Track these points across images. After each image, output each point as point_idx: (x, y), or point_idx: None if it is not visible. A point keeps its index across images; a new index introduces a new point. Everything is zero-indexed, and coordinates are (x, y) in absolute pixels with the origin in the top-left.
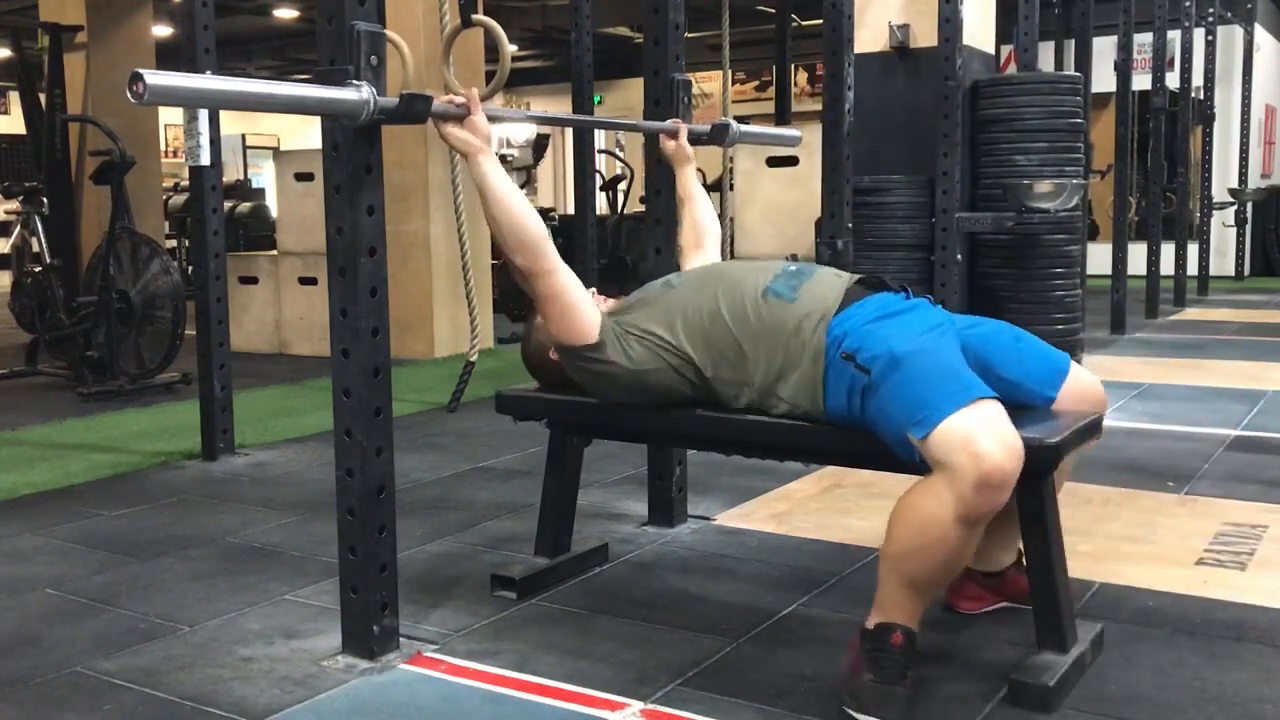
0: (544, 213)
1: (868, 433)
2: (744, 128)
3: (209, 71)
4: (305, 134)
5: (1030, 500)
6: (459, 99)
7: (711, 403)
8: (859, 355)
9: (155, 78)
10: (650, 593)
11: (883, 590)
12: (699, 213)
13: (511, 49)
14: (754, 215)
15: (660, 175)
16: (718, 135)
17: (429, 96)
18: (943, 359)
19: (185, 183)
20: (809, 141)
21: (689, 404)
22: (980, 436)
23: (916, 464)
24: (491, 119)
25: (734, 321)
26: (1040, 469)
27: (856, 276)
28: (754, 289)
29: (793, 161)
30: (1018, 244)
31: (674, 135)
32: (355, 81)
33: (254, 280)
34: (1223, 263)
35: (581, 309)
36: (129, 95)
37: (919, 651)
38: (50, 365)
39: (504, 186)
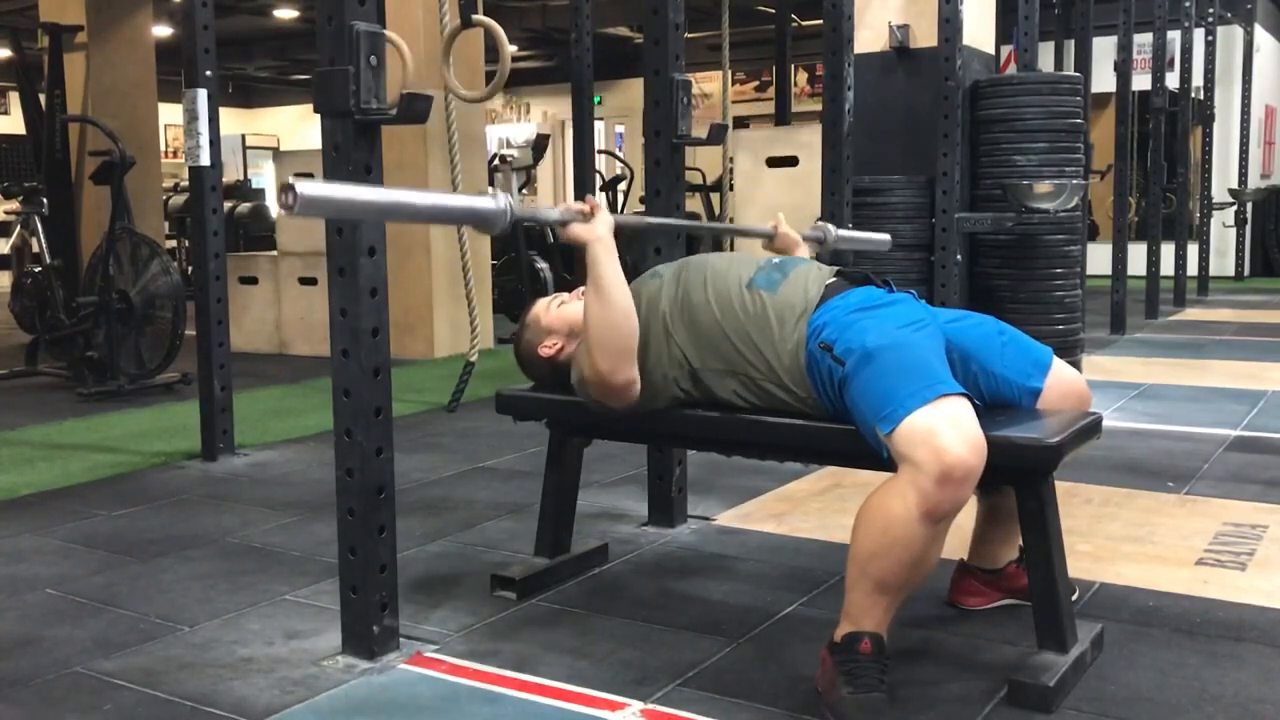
0: None
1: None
2: (840, 232)
3: (208, 71)
4: (305, 134)
5: (1030, 500)
6: (583, 206)
7: (707, 401)
8: (836, 346)
9: (307, 188)
10: (650, 593)
11: (850, 597)
12: None
13: (511, 49)
14: (754, 215)
15: (660, 175)
16: (815, 237)
17: (429, 96)
18: (914, 354)
19: (185, 183)
20: (809, 141)
21: (686, 404)
22: (942, 431)
23: (885, 460)
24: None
25: (721, 313)
26: (1041, 469)
27: (837, 268)
28: (738, 281)
29: (793, 161)
30: (1018, 244)
31: (774, 235)
32: (491, 189)
33: (254, 280)
34: (1223, 263)
35: (632, 400)
36: (279, 206)
37: (890, 656)
38: (50, 365)
39: (618, 283)
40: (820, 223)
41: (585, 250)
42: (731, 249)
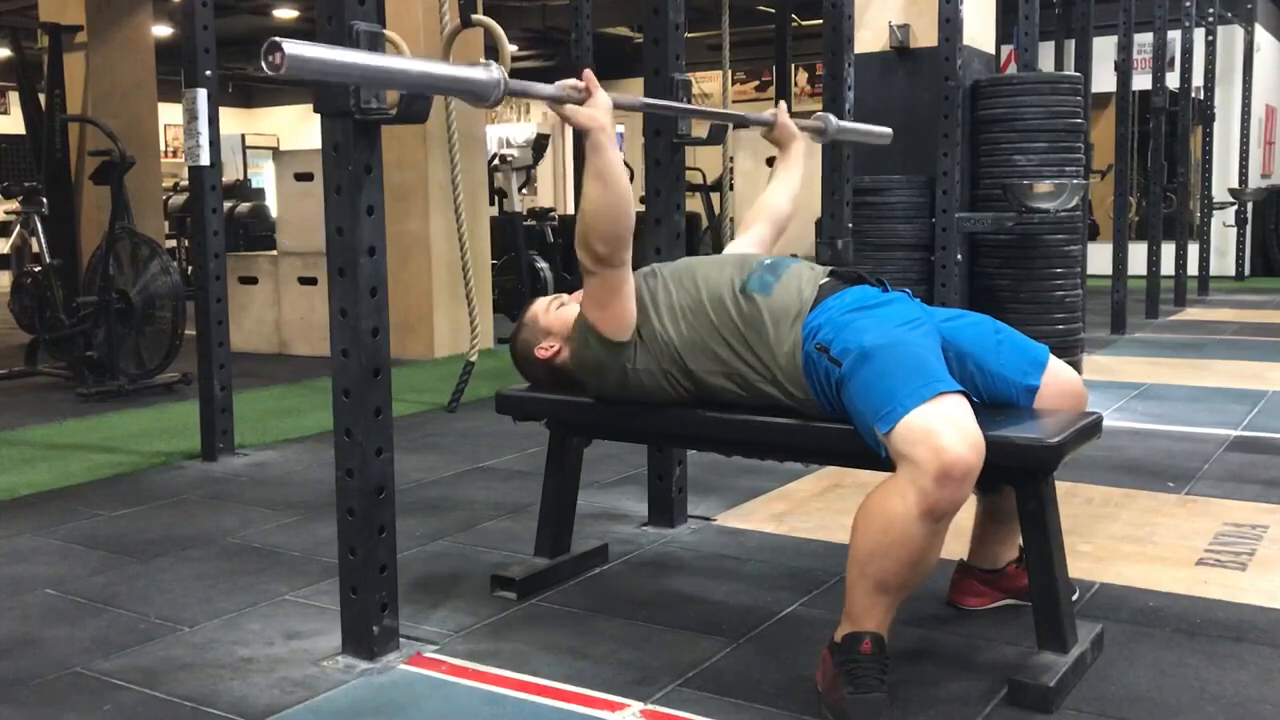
0: (544, 212)
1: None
2: (841, 123)
3: (208, 71)
4: (305, 134)
5: (1030, 500)
6: (579, 83)
7: (706, 401)
8: (832, 347)
9: (293, 47)
10: (650, 593)
11: (851, 597)
12: (773, 194)
13: (511, 49)
14: None
15: (660, 175)
16: (815, 127)
17: (428, 96)
18: (911, 353)
19: (185, 183)
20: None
21: (683, 403)
22: (941, 430)
23: (884, 459)
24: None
25: (715, 316)
26: (1041, 469)
27: (830, 269)
28: (731, 283)
29: None
30: (1018, 244)
31: (774, 124)
32: (484, 61)
33: (254, 280)
34: (1223, 263)
35: (629, 308)
36: (265, 67)
37: (890, 657)
38: (50, 365)
39: (619, 170)
40: (821, 113)
41: (585, 136)
42: (732, 237)
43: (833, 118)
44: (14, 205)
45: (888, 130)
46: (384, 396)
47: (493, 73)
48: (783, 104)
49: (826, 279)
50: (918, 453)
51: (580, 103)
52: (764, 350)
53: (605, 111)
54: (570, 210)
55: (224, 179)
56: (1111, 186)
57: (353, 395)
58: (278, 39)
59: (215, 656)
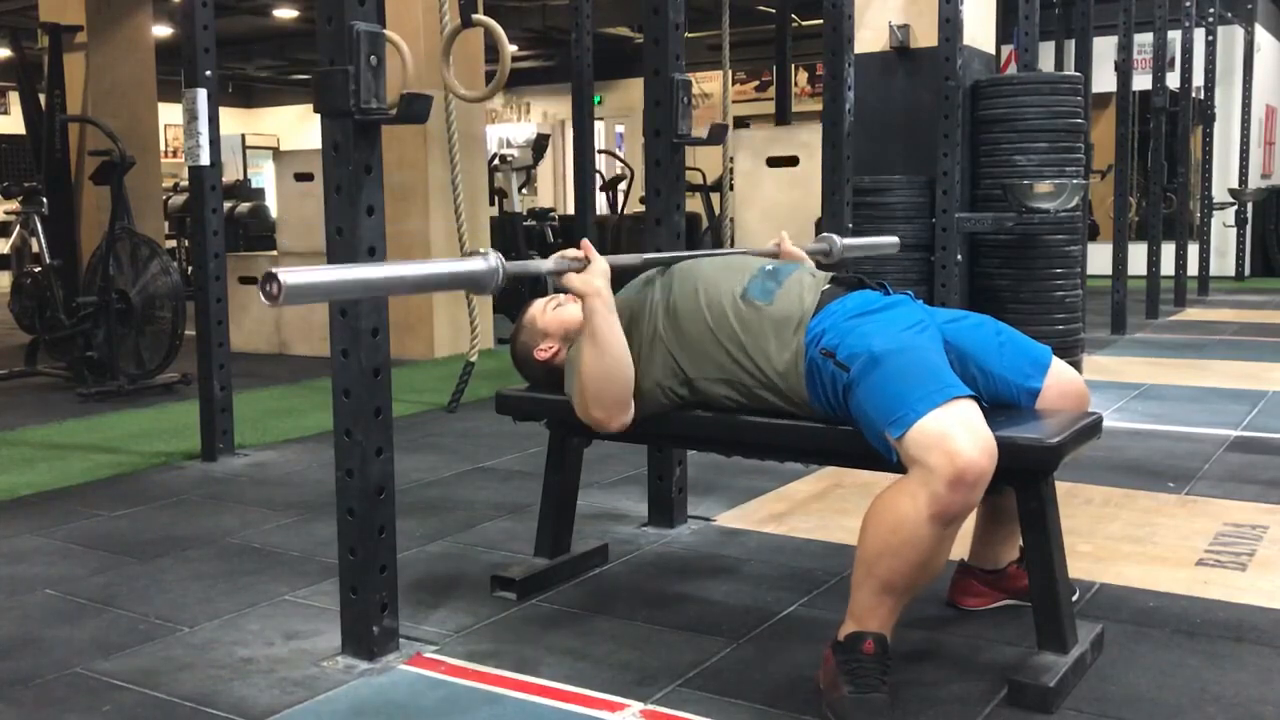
0: (544, 213)
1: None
2: (846, 241)
3: (208, 71)
4: (305, 134)
5: (1031, 500)
6: (577, 254)
7: (703, 404)
8: (838, 352)
9: (289, 276)
10: (650, 593)
11: (856, 596)
12: None
13: (511, 49)
14: (754, 215)
15: (660, 175)
16: (820, 249)
17: (429, 96)
18: (920, 357)
19: (185, 183)
20: (809, 141)
21: (683, 406)
22: (955, 434)
23: (894, 463)
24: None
25: (714, 322)
26: (1041, 469)
27: (831, 275)
28: (731, 291)
29: (793, 161)
30: (1018, 244)
31: (778, 256)
32: (482, 250)
33: (254, 280)
34: (1223, 263)
35: (629, 422)
36: (262, 298)
37: (892, 657)
38: (50, 365)
39: (616, 337)
40: (825, 234)
41: (582, 301)
42: (732, 243)
43: (837, 238)
44: (14, 205)
45: (894, 240)
46: (384, 396)
47: (490, 262)
48: (784, 233)
49: (828, 285)
50: (931, 457)
51: (579, 271)
52: (762, 357)
53: (601, 276)
54: (570, 210)
55: (224, 179)
56: (1111, 186)
57: (353, 395)
58: (273, 270)
59: (215, 657)
